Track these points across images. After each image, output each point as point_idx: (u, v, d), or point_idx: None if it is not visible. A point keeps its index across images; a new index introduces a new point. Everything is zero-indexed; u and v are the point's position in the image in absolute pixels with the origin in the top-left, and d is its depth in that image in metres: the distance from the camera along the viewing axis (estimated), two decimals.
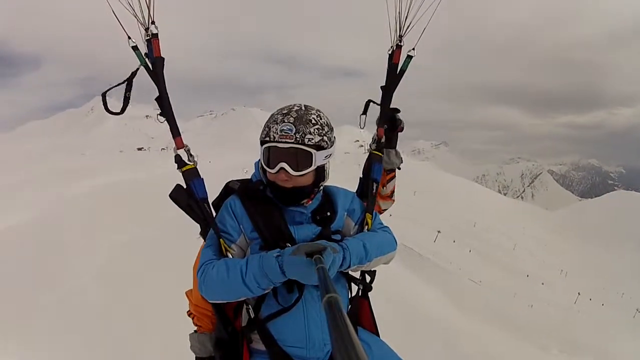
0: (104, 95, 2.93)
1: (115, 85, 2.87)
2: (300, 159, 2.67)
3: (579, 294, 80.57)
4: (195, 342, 3.30)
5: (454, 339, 19.28)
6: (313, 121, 2.71)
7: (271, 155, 2.72)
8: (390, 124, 3.60)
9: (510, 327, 33.53)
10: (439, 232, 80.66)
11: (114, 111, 2.92)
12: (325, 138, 2.72)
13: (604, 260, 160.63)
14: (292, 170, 2.66)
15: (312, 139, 2.65)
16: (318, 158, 2.69)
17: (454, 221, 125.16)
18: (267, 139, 2.71)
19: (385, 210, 3.86)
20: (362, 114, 3.52)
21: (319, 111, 2.83)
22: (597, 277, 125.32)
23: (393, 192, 3.81)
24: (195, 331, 3.39)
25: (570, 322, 52.42)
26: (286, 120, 2.68)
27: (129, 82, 2.88)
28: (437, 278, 37.33)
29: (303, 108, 2.78)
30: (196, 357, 3.32)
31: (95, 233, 19.36)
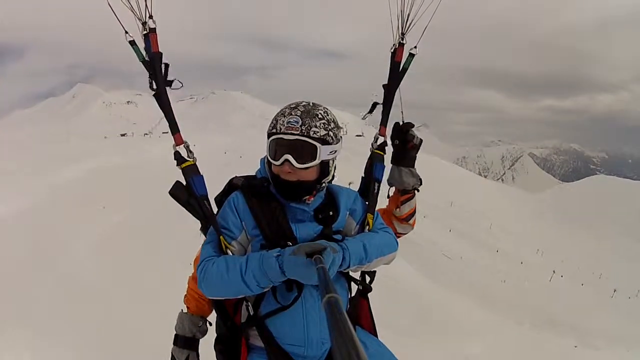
0: (151, 85, 2.94)
1: (151, 79, 2.92)
2: (305, 151, 2.71)
3: (553, 272, 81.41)
4: (179, 320, 3.44)
5: (427, 307, 20.22)
6: (320, 116, 2.76)
7: (277, 147, 2.76)
8: (401, 139, 3.58)
9: (483, 300, 34.34)
10: None
11: (164, 86, 3.00)
12: (331, 133, 2.77)
13: (582, 242, 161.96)
14: (296, 163, 2.69)
15: (318, 132, 2.70)
16: (322, 152, 2.73)
17: (430, 200, 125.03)
18: (274, 130, 2.76)
19: (404, 234, 3.85)
20: (368, 112, 3.54)
21: (327, 108, 2.89)
22: (573, 257, 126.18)
23: (411, 215, 3.71)
24: (182, 310, 3.53)
25: (544, 298, 53.20)
26: (293, 113, 2.74)
27: (151, 72, 2.92)
28: (411, 252, 37.41)
29: (311, 104, 2.84)
30: (175, 335, 3.43)
31: (88, 216, 19.95)
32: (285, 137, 2.68)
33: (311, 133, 2.67)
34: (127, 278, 13.06)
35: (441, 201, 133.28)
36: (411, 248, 41.75)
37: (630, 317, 62.57)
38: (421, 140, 3.56)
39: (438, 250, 56.16)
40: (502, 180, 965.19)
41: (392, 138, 3.52)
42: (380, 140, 3.43)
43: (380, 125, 3.43)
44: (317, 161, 2.72)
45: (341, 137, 2.90)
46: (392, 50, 3.37)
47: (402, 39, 3.31)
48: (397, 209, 3.63)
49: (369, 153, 3.45)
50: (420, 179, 3.63)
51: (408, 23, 3.27)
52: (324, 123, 2.74)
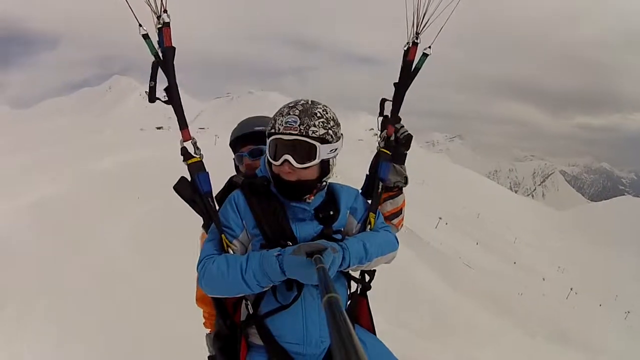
0: (150, 90, 2.96)
1: (153, 87, 2.94)
2: (304, 151, 2.69)
3: (571, 289, 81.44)
4: (207, 343, 3.55)
5: (443, 311, 21.26)
6: (318, 114, 2.72)
7: (276, 148, 2.75)
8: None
9: (498, 310, 34.87)
10: (440, 218, 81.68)
11: (156, 98, 3.00)
12: (330, 132, 2.73)
13: (602, 261, 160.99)
14: (295, 163, 2.68)
15: (317, 131, 2.67)
16: (322, 151, 2.70)
17: (458, 211, 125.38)
18: (273, 131, 2.75)
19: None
20: (379, 115, 3.48)
21: (326, 106, 2.85)
22: (592, 276, 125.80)
23: (395, 214, 3.53)
24: (206, 333, 3.65)
25: (560, 314, 53.11)
26: (291, 113, 2.71)
27: (153, 73, 2.91)
28: (433, 259, 38.62)
29: (309, 102, 2.81)
30: (208, 357, 3.51)
31: (121, 205, 20.46)
32: (284, 137, 2.69)
33: (310, 132, 2.66)
34: (159, 265, 13.27)
35: (468, 212, 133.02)
36: (433, 255, 42.41)
37: None
38: (410, 135, 3.48)
39: (460, 259, 56.61)
40: (533, 196, 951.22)
41: (391, 120, 3.43)
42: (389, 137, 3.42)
43: (388, 124, 3.41)
44: (316, 161, 2.72)
45: (341, 135, 2.89)
46: (405, 49, 3.35)
47: (417, 38, 3.29)
48: (379, 207, 3.43)
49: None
50: (406, 178, 3.52)
51: (423, 23, 3.25)
52: (322, 122, 2.73)
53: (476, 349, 18.66)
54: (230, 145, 3.76)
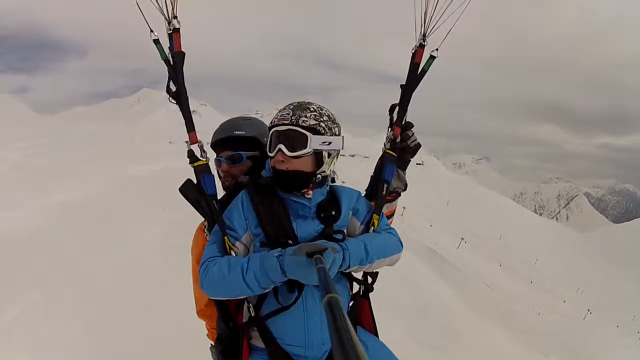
0: (168, 87, 3.04)
1: (169, 80, 3.01)
2: (295, 140, 2.76)
3: (588, 310, 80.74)
4: (212, 355, 3.54)
5: (457, 327, 21.46)
6: (311, 109, 2.82)
7: (272, 139, 2.84)
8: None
9: (514, 329, 33.40)
10: (462, 239, 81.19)
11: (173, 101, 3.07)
12: (322, 124, 2.80)
13: (622, 283, 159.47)
14: (287, 151, 2.75)
15: (307, 121, 2.75)
16: (313, 141, 2.76)
17: (481, 232, 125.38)
18: (270, 125, 2.89)
19: None
20: (389, 126, 3.44)
21: (323, 106, 2.93)
22: (612, 298, 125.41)
23: (388, 217, 3.54)
24: (211, 345, 3.63)
25: (576, 334, 53.06)
26: (287, 108, 2.84)
27: (170, 77, 3.00)
28: (453, 278, 38.21)
29: (306, 101, 2.92)
30: None
31: (151, 210, 20.49)
32: (278, 128, 2.79)
33: (300, 122, 2.74)
34: (181, 270, 13.42)
35: (491, 234, 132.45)
36: (453, 273, 42.57)
37: None
38: (418, 145, 3.52)
39: (479, 279, 56.39)
40: (557, 218, 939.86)
41: (397, 122, 3.42)
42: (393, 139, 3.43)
43: (395, 125, 3.41)
44: (307, 149, 2.77)
45: (339, 133, 2.94)
46: (412, 51, 3.36)
47: (424, 40, 3.30)
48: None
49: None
50: (406, 184, 3.61)
51: (431, 25, 3.25)
52: (314, 115, 2.81)
53: None
54: (211, 147, 3.65)
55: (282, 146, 2.76)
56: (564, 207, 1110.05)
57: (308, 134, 2.75)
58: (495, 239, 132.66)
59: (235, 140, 3.46)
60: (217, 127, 3.65)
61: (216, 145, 3.57)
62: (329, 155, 2.92)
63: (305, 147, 2.76)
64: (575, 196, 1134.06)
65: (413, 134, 3.48)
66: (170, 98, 3.10)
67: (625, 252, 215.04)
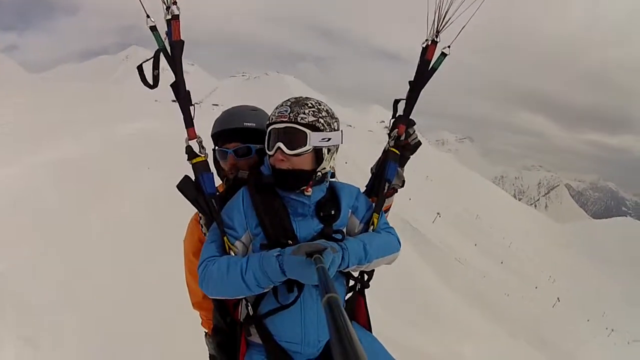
0: (140, 70, 2.88)
1: (147, 60, 2.87)
2: (294, 138, 2.70)
3: (557, 299, 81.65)
4: (207, 343, 3.63)
5: (432, 304, 21.95)
6: (309, 105, 2.76)
7: (270, 137, 2.79)
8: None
9: (484, 308, 35.69)
10: (438, 214, 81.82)
11: (150, 83, 2.90)
12: (321, 120, 2.74)
13: (595, 278, 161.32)
14: (286, 149, 2.70)
15: (306, 118, 2.70)
16: (313, 138, 2.71)
17: (458, 210, 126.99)
18: (268, 122, 2.80)
19: None
20: (392, 117, 3.41)
21: (320, 100, 2.87)
22: (583, 291, 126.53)
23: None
24: (206, 333, 3.68)
25: (543, 321, 53.78)
26: (284, 104, 2.77)
27: (155, 61, 2.85)
28: (428, 252, 38.84)
29: (304, 97, 2.86)
30: (210, 355, 3.59)
31: (141, 169, 20.89)
32: (276, 125, 2.73)
33: (299, 119, 2.69)
34: (170, 226, 13.35)
35: (467, 212, 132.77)
36: (428, 248, 42.93)
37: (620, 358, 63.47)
38: (419, 142, 3.44)
39: (452, 254, 57.28)
40: (536, 206, 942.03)
41: (390, 130, 3.39)
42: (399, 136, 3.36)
43: (400, 123, 3.33)
44: (307, 147, 2.71)
45: (338, 128, 2.88)
46: (423, 46, 3.25)
47: (436, 37, 3.20)
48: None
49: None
50: (404, 181, 3.50)
51: (444, 21, 3.15)
52: (313, 111, 2.74)
53: (458, 341, 19.34)
54: (213, 136, 3.48)
55: (281, 144, 2.72)
56: (543, 196, 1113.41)
57: (307, 131, 2.70)
58: (471, 217, 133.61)
59: (245, 132, 3.32)
60: (220, 115, 3.53)
61: (222, 135, 3.41)
62: (329, 151, 2.87)
63: (305, 144, 2.71)
64: (556, 186, 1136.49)
65: (414, 131, 3.43)
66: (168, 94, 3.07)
67: (601, 248, 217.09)
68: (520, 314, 47.81)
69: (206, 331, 3.67)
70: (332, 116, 2.85)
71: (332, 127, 2.81)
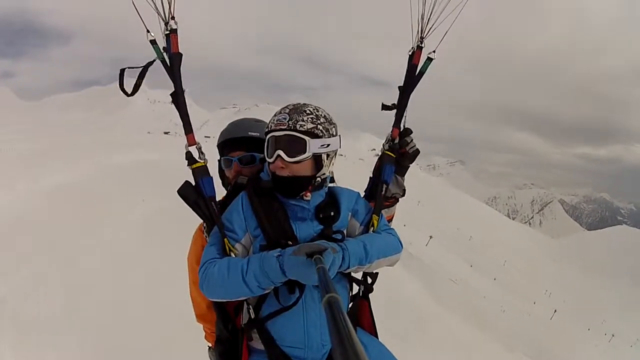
0: (121, 73, 3.00)
1: (133, 67, 2.96)
2: (294, 145, 2.73)
3: (555, 311, 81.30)
4: (210, 357, 3.63)
5: (425, 322, 21.69)
6: (308, 111, 2.77)
7: (269, 145, 2.80)
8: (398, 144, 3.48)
9: (479, 323, 33.88)
10: (431, 237, 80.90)
11: (127, 90, 2.98)
12: (320, 127, 2.76)
13: (593, 289, 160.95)
14: (286, 157, 2.72)
15: (304, 125, 2.71)
16: (312, 145, 2.73)
17: (450, 232, 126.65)
18: (266, 129, 2.82)
19: None
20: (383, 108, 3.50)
21: (319, 107, 2.89)
22: (581, 302, 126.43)
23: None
24: (209, 347, 3.68)
25: (542, 333, 53.75)
26: (283, 112, 2.79)
27: (143, 70, 2.95)
28: (419, 272, 37.87)
29: (301, 103, 2.87)
30: None
31: (134, 198, 20.38)
32: (276, 133, 2.74)
33: (298, 127, 2.70)
34: (167, 252, 13.32)
35: (461, 234, 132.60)
36: (420, 268, 42.85)
37: None
38: (417, 151, 3.51)
39: (446, 274, 56.69)
40: (530, 223, 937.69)
41: (396, 124, 3.45)
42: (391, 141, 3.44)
43: (393, 127, 3.42)
44: (307, 154, 2.74)
45: (336, 133, 2.92)
46: (410, 53, 3.36)
47: (421, 42, 3.31)
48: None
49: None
50: (404, 189, 3.58)
51: (428, 27, 3.26)
52: (311, 117, 2.76)
53: (453, 357, 18.92)
54: (219, 146, 3.60)
55: (280, 152, 2.75)
56: (537, 213, 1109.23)
57: (306, 138, 2.73)
58: (464, 238, 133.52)
59: (250, 141, 3.45)
60: (227, 126, 3.66)
61: (227, 144, 3.52)
62: (327, 156, 2.90)
63: (305, 151, 2.74)
64: (550, 202, 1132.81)
65: (412, 140, 3.50)
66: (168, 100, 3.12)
67: (597, 259, 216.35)
68: (517, 328, 47.53)
69: (210, 345, 3.68)
70: (331, 122, 2.89)
71: (331, 132, 2.86)
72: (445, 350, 18.71)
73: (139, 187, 22.55)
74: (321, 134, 2.76)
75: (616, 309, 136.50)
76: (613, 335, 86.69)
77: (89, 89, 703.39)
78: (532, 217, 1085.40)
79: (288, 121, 2.72)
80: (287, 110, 2.78)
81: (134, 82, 2.99)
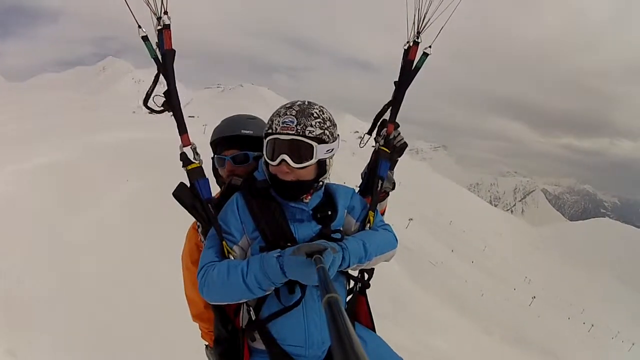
0: (146, 99, 2.96)
1: (150, 93, 2.94)
2: (301, 151, 2.67)
3: (533, 297, 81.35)
4: (208, 356, 3.62)
5: (405, 300, 22.18)
6: (315, 115, 2.70)
7: (273, 148, 2.73)
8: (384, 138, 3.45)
9: (457, 306, 35.93)
10: (411, 219, 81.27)
11: (154, 109, 2.97)
12: (327, 132, 2.73)
13: (573, 279, 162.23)
14: (292, 162, 2.67)
15: (313, 131, 2.65)
16: (319, 151, 2.69)
17: (431, 216, 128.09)
18: (270, 131, 2.73)
19: None
20: (377, 116, 3.50)
21: (322, 107, 2.83)
22: (560, 291, 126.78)
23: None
24: (207, 346, 3.66)
25: (520, 319, 53.69)
26: (288, 113, 2.69)
27: (154, 82, 2.92)
28: (400, 255, 38.97)
29: (306, 103, 2.78)
30: None
31: (119, 177, 20.84)
32: (282, 137, 2.67)
33: (307, 132, 2.64)
34: (152, 229, 13.89)
35: (441, 218, 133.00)
36: (399, 250, 43.61)
37: (603, 353, 64.02)
38: (405, 144, 3.51)
39: (425, 257, 57.54)
40: (512, 211, 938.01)
41: (391, 119, 3.41)
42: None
43: (389, 122, 3.38)
44: (313, 160, 2.70)
45: (338, 135, 2.87)
46: (405, 48, 3.31)
47: (417, 38, 3.24)
48: None
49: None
50: (394, 183, 3.58)
51: (424, 22, 3.20)
52: (319, 122, 2.70)
53: (432, 336, 19.75)
54: (212, 144, 3.54)
55: (286, 157, 2.68)
56: (519, 201, 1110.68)
57: (314, 144, 2.68)
58: (444, 223, 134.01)
59: (243, 140, 3.38)
60: (220, 123, 3.60)
61: (220, 143, 3.47)
62: (330, 159, 2.89)
63: (312, 157, 2.70)
64: (532, 191, 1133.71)
65: (399, 133, 3.48)
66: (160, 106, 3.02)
67: (578, 249, 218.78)
68: (496, 312, 47.95)
69: (206, 344, 3.67)
70: (334, 124, 2.86)
71: (334, 136, 2.83)
72: (423, 328, 19.66)
73: (123, 167, 22.87)
74: (327, 140, 2.75)
75: (596, 300, 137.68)
76: (592, 325, 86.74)
77: (73, 69, 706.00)
78: (515, 205, 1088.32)
79: (296, 125, 2.66)
80: (294, 113, 2.71)
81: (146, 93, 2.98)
